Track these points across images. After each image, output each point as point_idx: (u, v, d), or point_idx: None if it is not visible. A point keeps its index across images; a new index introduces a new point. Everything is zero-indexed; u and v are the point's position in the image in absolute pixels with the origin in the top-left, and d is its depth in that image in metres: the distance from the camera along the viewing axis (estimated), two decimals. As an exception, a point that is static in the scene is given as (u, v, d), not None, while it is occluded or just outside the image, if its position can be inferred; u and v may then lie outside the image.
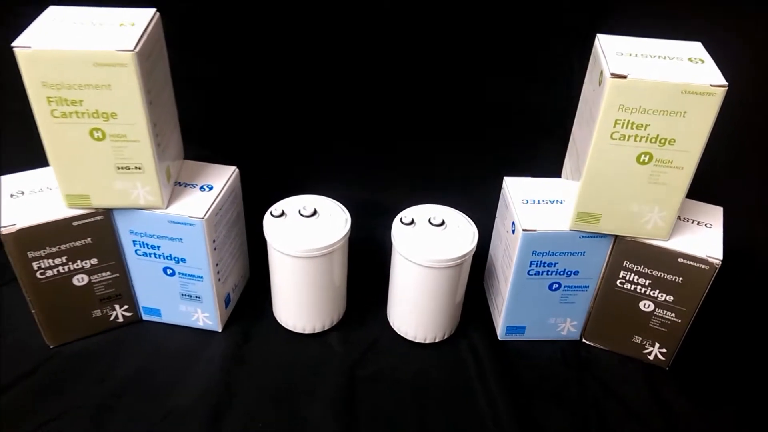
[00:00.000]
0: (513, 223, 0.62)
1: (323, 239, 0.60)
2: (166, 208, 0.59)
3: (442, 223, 0.62)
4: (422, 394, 0.62)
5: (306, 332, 0.67)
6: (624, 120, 0.52)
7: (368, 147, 0.85)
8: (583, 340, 0.68)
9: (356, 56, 0.79)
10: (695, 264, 0.58)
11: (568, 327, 0.67)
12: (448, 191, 0.80)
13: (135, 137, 0.54)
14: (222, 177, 0.64)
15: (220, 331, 0.67)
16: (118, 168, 0.56)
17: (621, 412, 0.61)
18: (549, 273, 0.62)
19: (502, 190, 0.67)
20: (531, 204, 0.62)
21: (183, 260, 0.62)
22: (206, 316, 0.66)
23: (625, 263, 0.61)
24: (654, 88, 0.51)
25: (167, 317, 0.67)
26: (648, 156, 0.54)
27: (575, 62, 0.73)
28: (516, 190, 0.65)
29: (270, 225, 0.62)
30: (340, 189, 0.82)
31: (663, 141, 0.53)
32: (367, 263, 0.74)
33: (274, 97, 0.82)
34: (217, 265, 0.63)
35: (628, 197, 0.56)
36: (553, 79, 0.78)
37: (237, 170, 0.65)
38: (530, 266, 0.62)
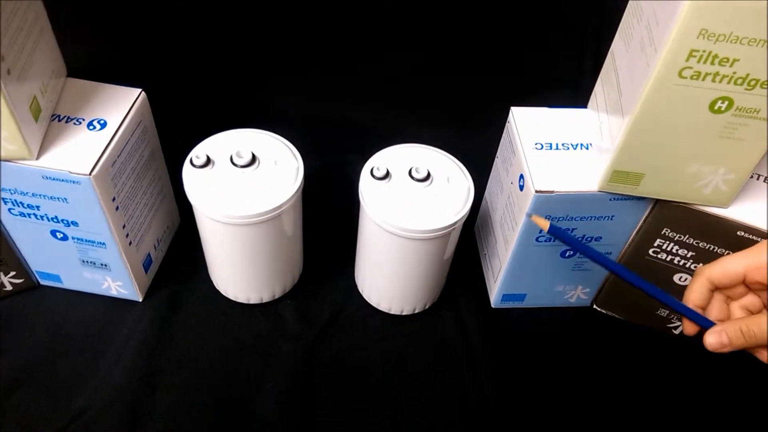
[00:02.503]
0: (521, 176, 0.46)
1: (266, 200, 0.44)
2: (37, 158, 0.42)
3: (428, 176, 0.45)
4: (397, 380, 0.50)
5: (251, 302, 0.53)
6: (703, 52, 0.35)
7: (333, 57, 0.62)
8: (594, 307, 0.56)
9: None
10: (759, 239, 0.44)
11: (578, 294, 0.54)
12: (432, 116, 0.63)
13: (-36, 64, 0.36)
14: (121, 106, 0.46)
15: (140, 300, 0.53)
16: (-48, 108, 0.38)
17: (640, 392, 0.51)
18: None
19: (507, 123, 0.50)
20: (546, 150, 0.46)
21: (74, 223, 0.46)
22: (119, 285, 0.51)
23: (665, 231, 0.47)
24: (756, 8, 0.33)
25: (70, 284, 0.52)
26: (727, 102, 0.38)
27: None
28: (526, 126, 0.48)
29: (191, 179, 0.45)
30: (293, 112, 0.63)
31: (753, 83, 0.36)
32: (329, 207, 0.58)
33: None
34: (123, 227, 0.47)
35: (687, 155, 0.41)
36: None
37: (143, 94, 0.47)
38: (540, 232, 0.47)
